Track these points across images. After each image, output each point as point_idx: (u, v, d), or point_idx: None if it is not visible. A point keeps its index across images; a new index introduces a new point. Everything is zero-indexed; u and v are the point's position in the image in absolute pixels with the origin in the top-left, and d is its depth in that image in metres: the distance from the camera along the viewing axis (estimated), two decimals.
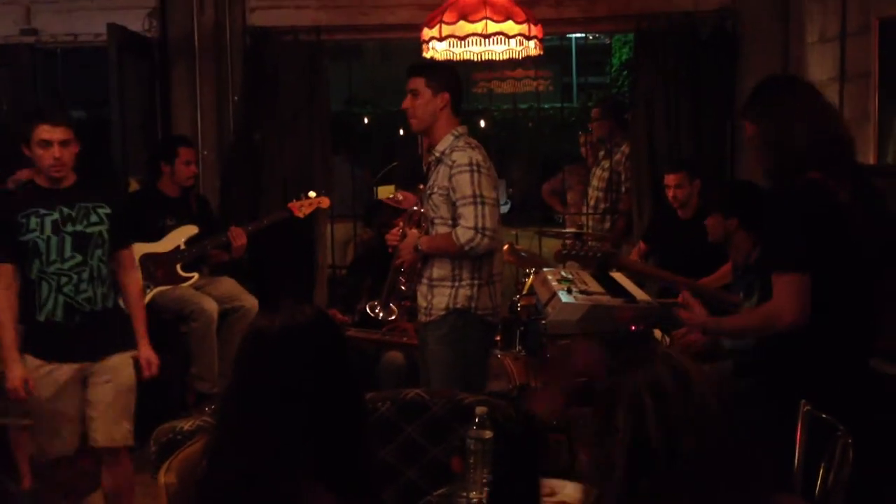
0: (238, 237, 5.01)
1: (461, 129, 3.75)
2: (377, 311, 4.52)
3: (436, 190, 3.72)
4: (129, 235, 3.85)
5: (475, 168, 3.58)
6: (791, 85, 2.98)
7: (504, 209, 15.79)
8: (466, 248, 3.55)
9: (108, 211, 3.63)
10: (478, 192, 3.55)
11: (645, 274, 3.78)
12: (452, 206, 3.63)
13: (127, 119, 5.44)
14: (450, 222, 3.65)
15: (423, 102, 3.74)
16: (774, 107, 2.84)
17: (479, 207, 3.54)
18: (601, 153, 6.39)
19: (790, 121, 2.76)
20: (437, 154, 3.74)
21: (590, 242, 5.08)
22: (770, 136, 2.81)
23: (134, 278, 3.86)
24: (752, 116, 2.89)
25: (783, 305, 2.67)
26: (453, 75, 3.82)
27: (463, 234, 3.54)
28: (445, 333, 3.72)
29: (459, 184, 3.58)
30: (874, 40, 4.45)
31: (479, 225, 3.52)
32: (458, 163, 3.60)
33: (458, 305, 3.68)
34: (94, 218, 3.59)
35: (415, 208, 4.23)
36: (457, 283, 3.69)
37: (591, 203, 6.39)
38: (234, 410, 1.69)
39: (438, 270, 3.73)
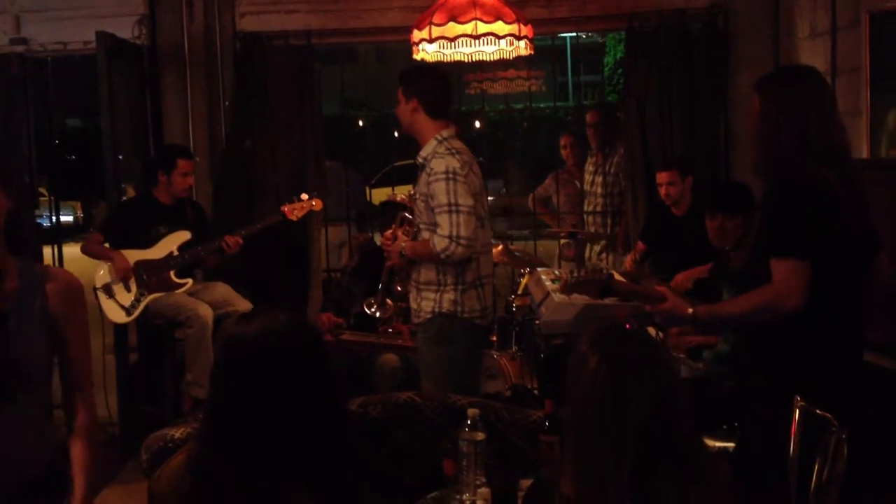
0: (234, 245, 5.01)
1: (446, 133, 3.76)
2: (373, 309, 4.54)
3: (418, 196, 3.76)
4: None
5: (451, 176, 3.60)
6: (807, 80, 2.92)
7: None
8: (442, 255, 3.59)
9: None
10: (453, 201, 3.58)
11: (635, 294, 3.77)
12: (431, 212, 3.65)
13: (117, 126, 5.41)
14: (432, 228, 3.66)
15: (400, 109, 3.85)
16: (779, 96, 2.83)
17: (454, 216, 3.57)
18: (592, 158, 6.40)
19: (787, 120, 2.76)
20: (420, 160, 3.77)
21: (591, 268, 5.03)
22: (766, 129, 2.82)
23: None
24: (762, 96, 2.88)
25: (789, 289, 2.65)
26: (426, 80, 3.84)
27: (438, 242, 3.58)
28: (433, 335, 3.77)
29: (436, 192, 3.61)
30: (865, 34, 4.44)
31: (454, 234, 3.55)
32: (434, 171, 3.64)
33: (444, 310, 3.72)
34: None
35: (405, 214, 4.24)
36: (441, 288, 3.72)
37: (591, 209, 6.38)
38: (214, 421, 1.68)
39: (425, 275, 3.77)
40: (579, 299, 3.86)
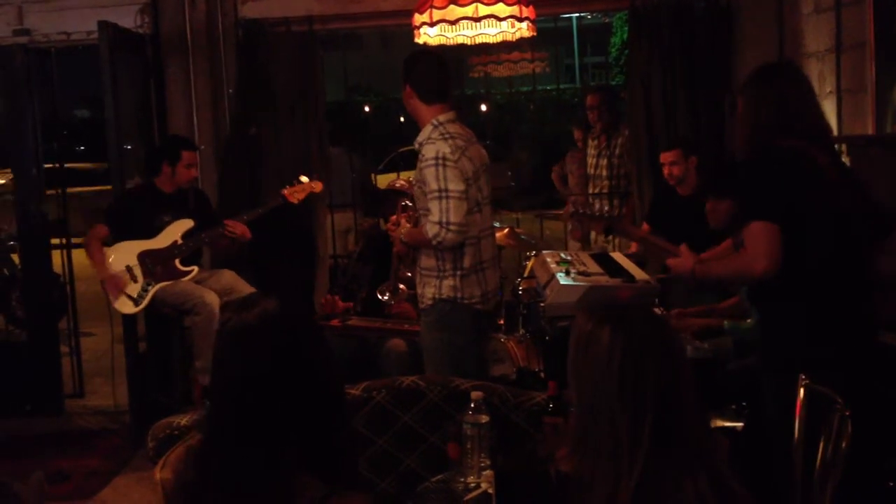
0: (236, 226, 5.01)
1: (443, 117, 3.72)
2: (387, 296, 4.55)
3: (415, 182, 3.75)
4: None
5: (440, 162, 3.56)
6: (778, 72, 3.04)
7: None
8: (433, 242, 3.57)
9: None
10: (442, 187, 3.54)
11: (642, 240, 3.81)
12: (425, 198, 3.64)
13: (122, 116, 5.41)
14: (427, 214, 3.66)
15: (403, 96, 3.85)
16: (757, 89, 2.92)
17: (444, 202, 3.53)
18: (594, 141, 6.39)
19: (765, 104, 2.85)
20: (417, 145, 3.77)
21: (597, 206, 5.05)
22: (746, 115, 2.92)
23: None
24: (744, 93, 2.99)
25: (755, 253, 2.70)
26: (416, 65, 3.81)
27: (430, 229, 3.56)
28: (434, 321, 3.76)
29: (427, 178, 3.59)
30: (869, 9, 4.40)
31: (444, 220, 3.52)
32: (425, 157, 3.62)
33: (444, 296, 3.71)
34: None
35: (406, 201, 4.24)
36: (441, 274, 3.70)
37: (597, 191, 6.38)
38: (217, 410, 1.69)
39: (426, 261, 3.76)
40: (584, 281, 3.87)
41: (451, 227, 3.52)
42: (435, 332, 3.77)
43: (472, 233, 3.66)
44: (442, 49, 4.86)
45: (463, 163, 3.63)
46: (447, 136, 3.65)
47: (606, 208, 5.78)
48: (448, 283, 3.69)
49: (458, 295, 3.69)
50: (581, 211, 3.74)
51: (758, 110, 2.85)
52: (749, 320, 3.82)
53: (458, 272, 3.69)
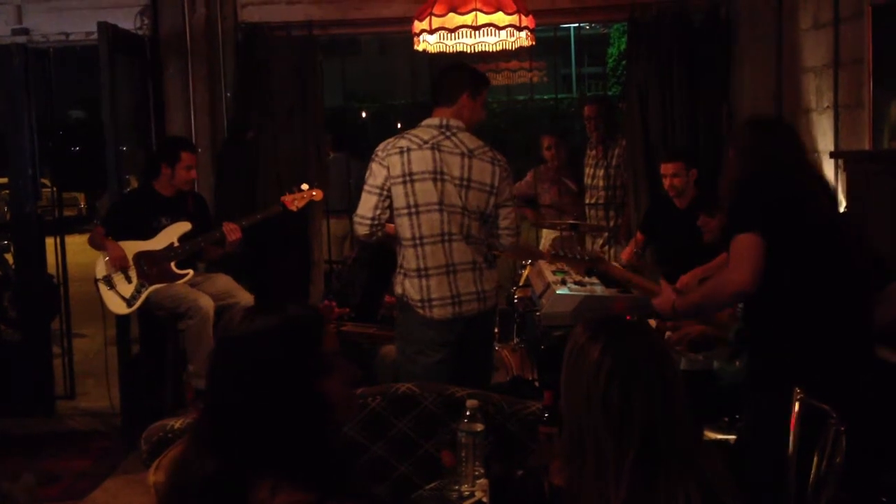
0: (232, 232, 5.00)
1: (427, 120, 3.79)
2: None
3: None
4: None
5: (372, 157, 3.73)
6: (771, 127, 3.07)
7: None
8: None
9: None
10: (365, 179, 3.73)
11: (626, 281, 3.79)
12: None
13: (119, 118, 5.40)
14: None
15: None
16: (750, 140, 2.96)
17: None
18: (592, 151, 6.39)
19: (758, 155, 2.88)
20: None
21: (579, 247, 5.06)
22: (738, 164, 2.94)
23: None
24: (733, 143, 3.04)
25: (738, 265, 2.70)
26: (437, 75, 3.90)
27: None
28: (398, 323, 3.89)
29: None
30: (867, 26, 4.43)
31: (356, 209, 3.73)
32: None
33: (397, 291, 3.82)
34: None
35: None
36: (398, 270, 3.80)
37: (593, 202, 6.38)
38: (207, 415, 1.67)
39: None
40: (580, 291, 3.88)
41: (356, 218, 3.72)
42: (396, 338, 3.89)
43: (405, 235, 3.70)
44: (442, 56, 4.90)
45: (392, 160, 3.67)
46: (403, 135, 3.74)
47: (589, 249, 5.78)
48: (399, 279, 3.78)
49: (403, 292, 3.76)
50: (562, 253, 3.74)
51: (751, 160, 2.86)
52: (738, 363, 3.80)
53: (402, 271, 3.77)
